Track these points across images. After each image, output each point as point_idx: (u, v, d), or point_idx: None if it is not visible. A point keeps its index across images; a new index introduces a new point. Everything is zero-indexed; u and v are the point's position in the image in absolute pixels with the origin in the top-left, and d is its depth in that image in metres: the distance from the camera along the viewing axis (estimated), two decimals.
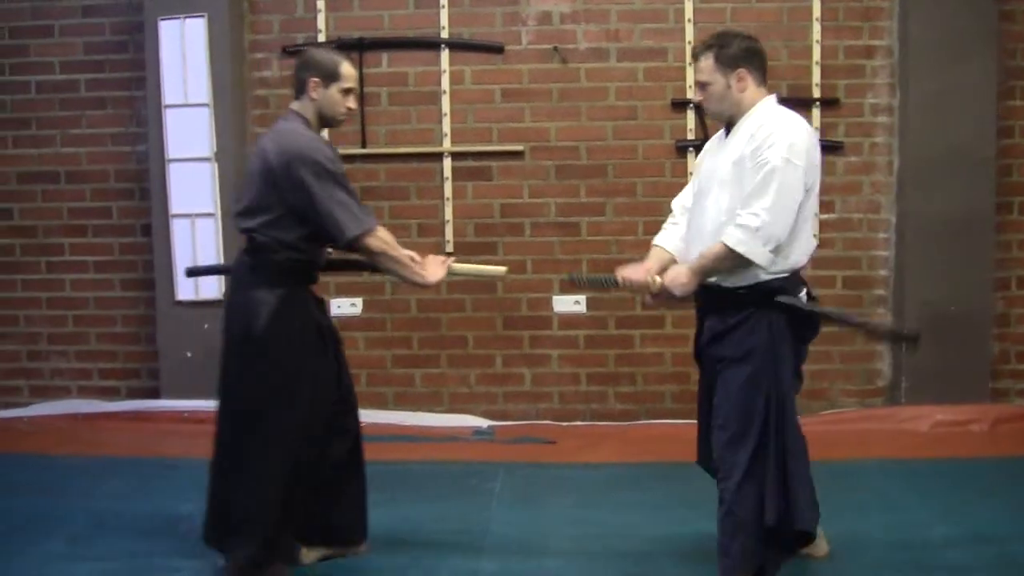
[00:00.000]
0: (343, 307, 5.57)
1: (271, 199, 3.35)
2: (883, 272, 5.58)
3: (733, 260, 3.17)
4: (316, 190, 3.30)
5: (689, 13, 5.50)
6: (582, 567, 3.69)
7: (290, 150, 3.32)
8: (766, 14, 5.51)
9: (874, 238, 5.56)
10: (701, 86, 3.28)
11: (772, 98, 3.29)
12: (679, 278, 3.30)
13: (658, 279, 3.36)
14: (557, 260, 5.57)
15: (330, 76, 3.43)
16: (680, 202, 3.61)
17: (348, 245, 3.40)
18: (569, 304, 5.58)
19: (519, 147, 5.55)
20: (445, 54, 5.58)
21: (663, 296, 3.38)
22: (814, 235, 3.46)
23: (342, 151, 5.52)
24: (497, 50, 5.58)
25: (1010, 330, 5.61)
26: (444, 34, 5.57)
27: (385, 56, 5.62)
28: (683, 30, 5.51)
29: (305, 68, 3.46)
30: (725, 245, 3.16)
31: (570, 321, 5.60)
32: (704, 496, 4.42)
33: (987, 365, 5.54)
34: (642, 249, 5.41)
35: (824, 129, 5.49)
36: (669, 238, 3.58)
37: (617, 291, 3.73)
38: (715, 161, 3.33)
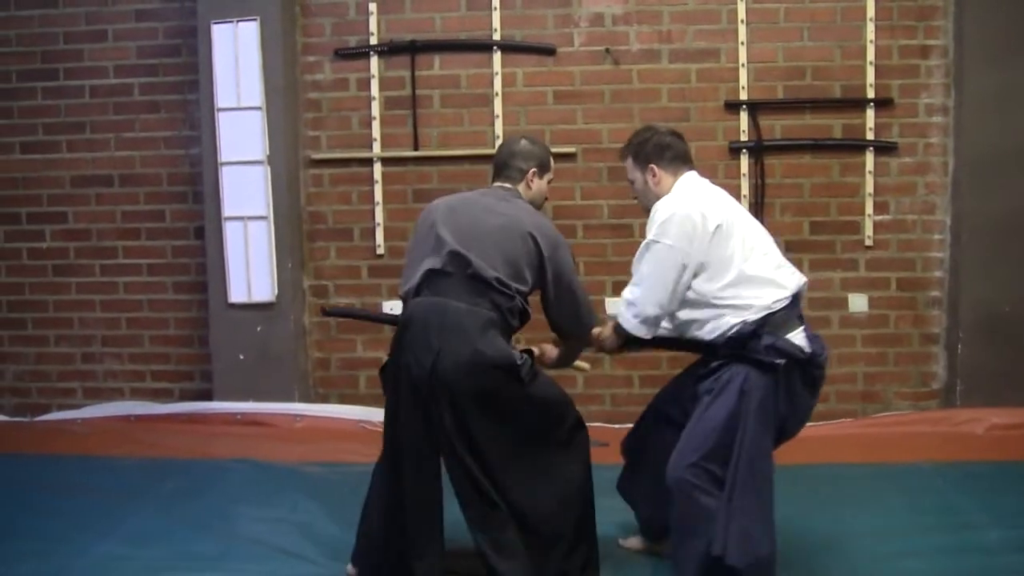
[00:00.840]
0: (395, 309, 5.59)
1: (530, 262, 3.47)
2: (938, 273, 5.58)
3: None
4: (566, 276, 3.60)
5: (742, 14, 5.51)
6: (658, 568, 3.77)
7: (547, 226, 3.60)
8: (820, 14, 5.51)
9: (929, 239, 5.56)
10: (629, 182, 3.63)
11: (685, 178, 3.52)
12: (604, 331, 3.61)
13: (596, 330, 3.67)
14: (610, 262, 5.60)
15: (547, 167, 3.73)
16: None
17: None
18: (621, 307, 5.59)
19: (571, 149, 5.57)
20: (497, 56, 5.62)
21: (602, 348, 3.68)
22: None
23: (395, 154, 5.65)
24: (549, 52, 5.61)
25: None
26: (496, 36, 5.61)
27: (437, 58, 5.67)
28: (736, 31, 5.52)
29: (524, 158, 3.66)
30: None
31: None
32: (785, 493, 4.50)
33: None
34: None
35: (878, 130, 5.50)
36: None
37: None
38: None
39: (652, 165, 3.49)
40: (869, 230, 5.54)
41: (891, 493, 4.58)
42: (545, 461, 3.45)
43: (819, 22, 5.50)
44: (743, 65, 5.51)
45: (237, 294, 5.63)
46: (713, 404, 3.31)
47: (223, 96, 5.57)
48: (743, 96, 5.52)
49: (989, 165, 5.36)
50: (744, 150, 5.53)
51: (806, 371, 3.41)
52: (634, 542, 3.90)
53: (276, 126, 5.56)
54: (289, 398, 5.66)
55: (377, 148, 5.67)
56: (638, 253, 3.40)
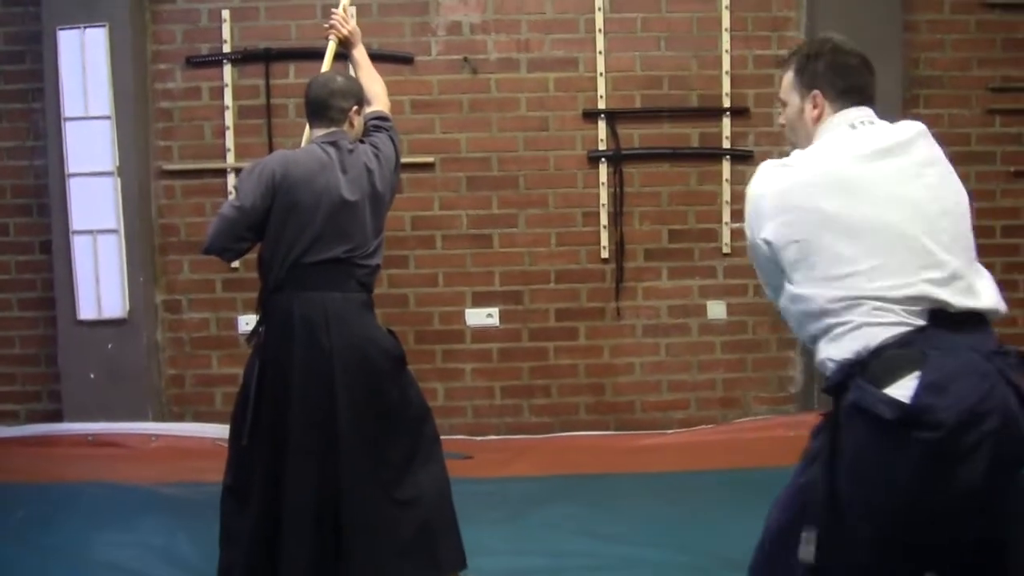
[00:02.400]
0: (251, 323, 5.54)
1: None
2: None
3: None
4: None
5: (600, 23, 5.60)
6: None
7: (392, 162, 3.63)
8: (676, 24, 5.64)
9: None
10: (781, 104, 2.64)
11: (834, 120, 2.48)
12: None
13: None
14: (469, 273, 5.64)
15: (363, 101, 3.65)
16: None
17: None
18: (482, 317, 5.65)
19: (429, 159, 5.59)
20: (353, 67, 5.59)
21: None
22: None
23: (248, 163, 5.56)
24: (407, 61, 5.62)
25: None
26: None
27: (292, 67, 5.62)
28: (594, 40, 5.60)
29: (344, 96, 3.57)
30: None
31: (483, 334, 5.66)
32: (629, 507, 4.56)
33: None
34: (555, 260, 5.61)
35: (734, 138, 5.65)
36: None
37: None
38: None
39: (817, 92, 2.49)
40: (727, 238, 5.67)
41: (761, 498, 4.67)
42: (424, 455, 3.55)
43: (676, 32, 5.63)
44: (601, 74, 5.60)
45: (86, 310, 5.50)
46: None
47: (70, 105, 5.44)
48: (601, 105, 5.60)
49: None
50: (603, 159, 5.62)
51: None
52: None
53: (126, 136, 5.46)
54: (143, 417, 5.56)
55: (231, 159, 5.61)
56: None
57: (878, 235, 2.23)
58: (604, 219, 5.61)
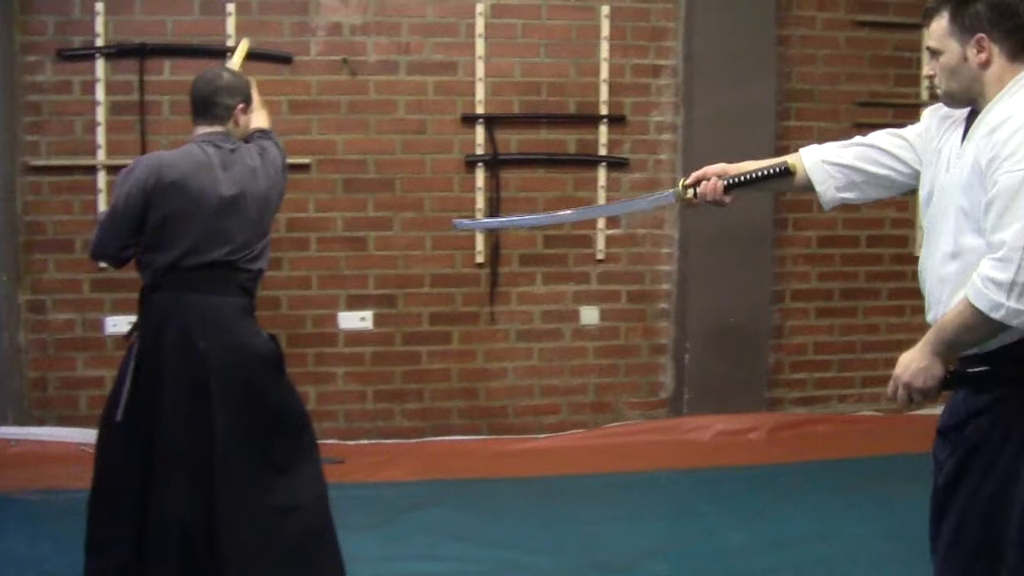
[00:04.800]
0: (119, 326, 5.52)
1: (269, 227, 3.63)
2: (666, 286, 5.96)
3: (986, 327, 2.35)
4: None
5: (480, 28, 5.71)
6: None
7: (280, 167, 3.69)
8: (556, 31, 5.78)
9: (657, 253, 5.93)
10: (932, 54, 2.56)
11: None
12: (913, 365, 2.47)
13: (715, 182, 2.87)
14: (343, 275, 5.71)
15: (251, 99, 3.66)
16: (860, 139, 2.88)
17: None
18: (355, 321, 5.73)
19: (306, 160, 5.63)
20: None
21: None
22: None
23: (121, 162, 5.51)
24: (285, 60, 5.65)
25: (784, 341, 6.09)
26: (230, 42, 5.58)
27: (167, 63, 5.60)
28: (474, 45, 5.71)
29: (230, 92, 3.56)
30: (972, 307, 2.34)
31: (356, 338, 5.74)
32: (502, 511, 4.70)
33: (764, 375, 5.99)
34: (430, 264, 5.71)
35: (611, 146, 5.83)
36: (816, 151, 2.91)
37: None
38: (950, 173, 2.54)
39: (983, 36, 2.45)
40: (601, 244, 5.86)
41: (633, 501, 4.90)
42: (303, 461, 3.61)
43: (555, 39, 5.77)
44: (480, 79, 5.72)
45: None
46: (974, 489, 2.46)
47: None
48: (480, 110, 5.72)
49: None
50: (480, 163, 5.74)
51: None
52: None
53: None
54: (3, 421, 5.49)
55: (102, 155, 5.58)
56: (1002, 196, 2.32)
57: None
58: None
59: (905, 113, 6.01)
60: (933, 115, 2.71)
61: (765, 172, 2.92)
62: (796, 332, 6.11)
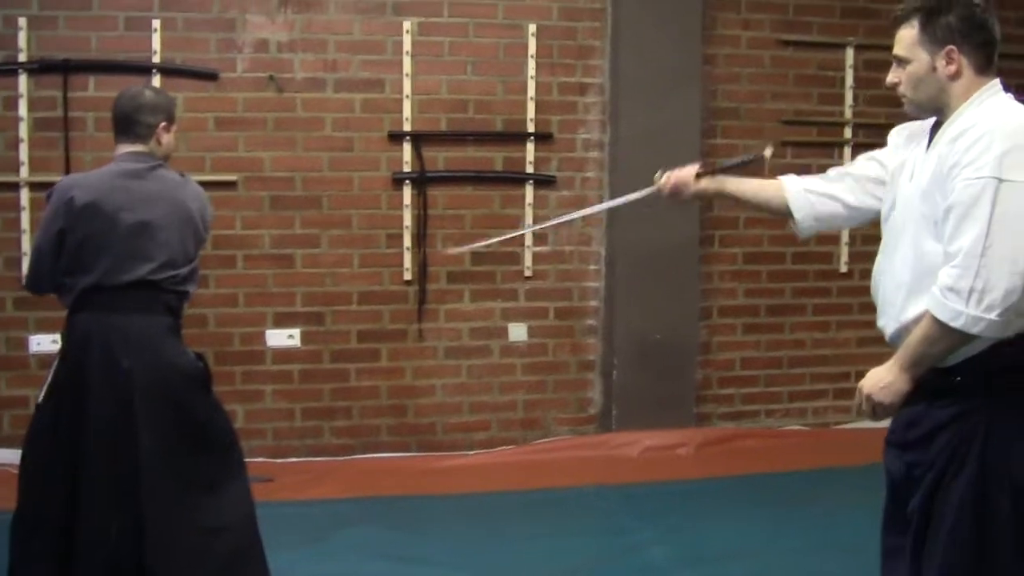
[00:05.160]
0: (43, 344, 5.48)
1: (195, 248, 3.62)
2: (594, 302, 6.02)
3: (949, 338, 2.38)
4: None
5: (407, 46, 5.75)
6: None
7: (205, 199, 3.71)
8: (483, 49, 5.84)
9: (585, 269, 5.99)
10: (898, 61, 2.59)
11: (997, 90, 2.55)
12: (880, 380, 2.50)
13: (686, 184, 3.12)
14: (271, 293, 5.71)
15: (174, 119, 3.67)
16: (843, 169, 2.96)
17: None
18: (283, 338, 5.73)
19: (232, 177, 5.64)
20: (157, 79, 5.60)
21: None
22: None
23: (45, 179, 5.51)
24: (211, 77, 5.65)
25: (712, 357, 6.17)
26: (156, 59, 5.59)
27: (92, 80, 5.57)
28: (401, 62, 5.75)
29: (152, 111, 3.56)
30: (933, 319, 2.38)
31: (284, 355, 5.74)
32: (431, 528, 4.71)
33: (692, 391, 6.07)
34: (358, 281, 5.73)
35: (538, 163, 5.90)
36: (799, 180, 3.00)
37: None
38: (912, 184, 2.58)
39: (954, 48, 2.50)
40: (529, 261, 5.91)
41: (559, 518, 4.94)
42: (231, 481, 3.61)
43: (483, 57, 5.83)
44: (407, 96, 5.75)
45: None
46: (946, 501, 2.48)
47: None
48: (407, 127, 5.76)
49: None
50: (407, 181, 5.77)
51: None
52: None
53: None
54: None
55: (25, 172, 5.54)
56: (960, 204, 2.35)
57: None
58: (408, 241, 5.77)
59: (830, 131, 6.21)
60: (899, 134, 2.79)
61: (737, 161, 3.17)
62: (723, 348, 6.21)
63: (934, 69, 2.50)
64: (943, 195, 2.41)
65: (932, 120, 2.61)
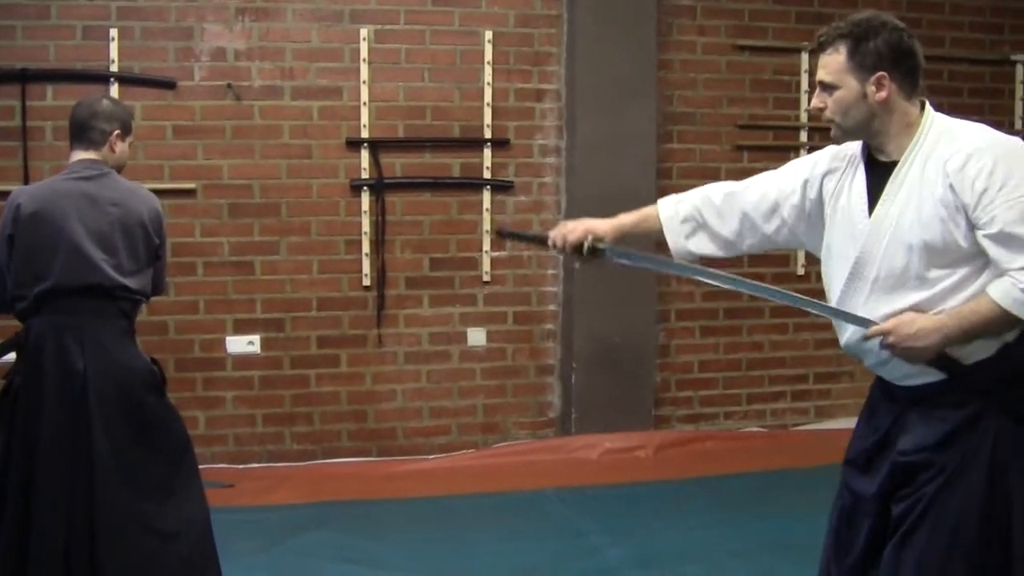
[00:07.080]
0: None
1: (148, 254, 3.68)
2: (552, 307, 6.20)
3: (1006, 325, 2.47)
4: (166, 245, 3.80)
5: (364, 53, 5.89)
6: None
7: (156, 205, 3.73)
8: (440, 56, 6.00)
9: (543, 274, 6.18)
10: (824, 87, 2.61)
11: (932, 110, 2.63)
12: (922, 330, 2.48)
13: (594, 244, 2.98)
14: (231, 300, 5.84)
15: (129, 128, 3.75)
16: (723, 189, 2.94)
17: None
18: (243, 345, 5.86)
19: (191, 185, 5.76)
20: (115, 88, 5.70)
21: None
22: None
23: (2, 188, 5.61)
24: (169, 86, 5.76)
25: (670, 360, 6.36)
26: (114, 68, 5.69)
27: (50, 89, 5.67)
28: (358, 70, 5.90)
29: (107, 119, 3.65)
30: (1002, 311, 2.42)
31: (244, 362, 5.87)
32: (391, 533, 4.84)
33: (651, 394, 6.25)
34: (317, 288, 5.87)
35: (495, 169, 6.07)
36: (673, 202, 3.01)
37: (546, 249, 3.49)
38: (878, 216, 2.58)
39: (884, 74, 2.53)
40: (487, 266, 6.08)
41: (517, 521, 5.07)
42: (186, 486, 3.69)
43: (439, 64, 6.00)
44: (365, 104, 5.91)
45: None
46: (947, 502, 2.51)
47: None
48: (365, 134, 5.91)
49: (597, 204, 5.80)
50: (365, 187, 5.92)
51: None
52: None
53: None
54: None
55: None
56: (1012, 223, 2.38)
57: None
58: (366, 247, 5.92)
59: (785, 135, 6.40)
60: (813, 169, 2.78)
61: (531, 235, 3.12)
62: (681, 351, 6.41)
63: (864, 96, 2.52)
64: (957, 223, 2.43)
65: (858, 144, 2.66)
